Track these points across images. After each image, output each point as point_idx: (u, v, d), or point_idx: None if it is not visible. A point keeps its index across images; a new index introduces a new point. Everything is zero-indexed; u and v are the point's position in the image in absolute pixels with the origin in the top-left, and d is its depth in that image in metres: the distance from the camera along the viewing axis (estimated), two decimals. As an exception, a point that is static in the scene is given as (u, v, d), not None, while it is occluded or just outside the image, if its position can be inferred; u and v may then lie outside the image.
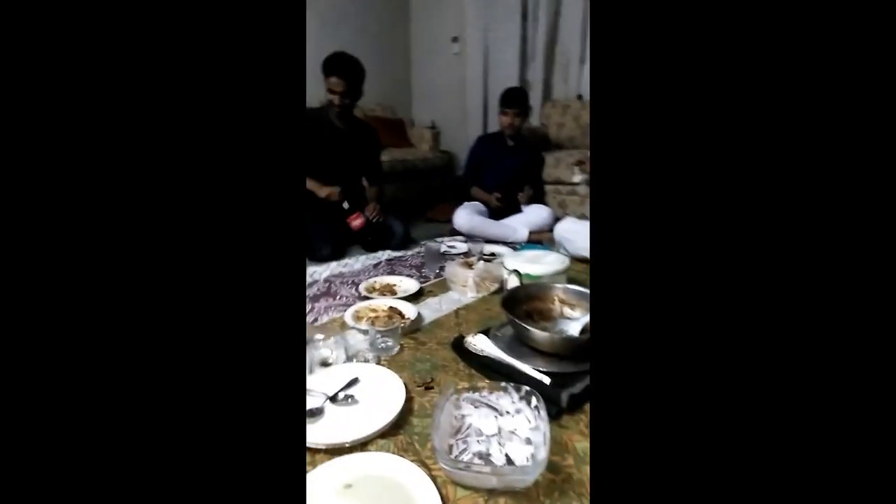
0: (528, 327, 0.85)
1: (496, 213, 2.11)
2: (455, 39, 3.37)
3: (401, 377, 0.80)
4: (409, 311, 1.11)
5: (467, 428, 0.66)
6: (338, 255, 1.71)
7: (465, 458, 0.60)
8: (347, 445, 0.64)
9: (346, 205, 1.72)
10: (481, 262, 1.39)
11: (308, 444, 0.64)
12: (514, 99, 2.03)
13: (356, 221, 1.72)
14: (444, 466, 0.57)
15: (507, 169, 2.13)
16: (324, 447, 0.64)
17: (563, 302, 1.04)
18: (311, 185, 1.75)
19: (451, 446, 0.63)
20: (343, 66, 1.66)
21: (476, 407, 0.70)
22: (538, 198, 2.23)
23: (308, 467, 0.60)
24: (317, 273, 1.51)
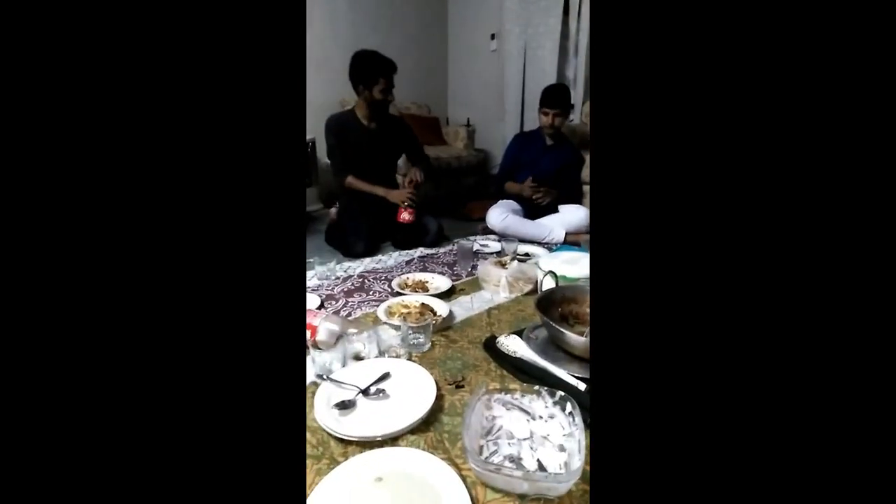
0: (564, 331, 0.82)
1: (531, 213, 2.07)
2: (493, 36, 3.33)
3: (431, 374, 0.80)
4: (441, 308, 1.11)
5: (498, 430, 0.65)
6: (371, 251, 1.73)
7: (496, 459, 0.59)
8: (378, 439, 0.65)
9: (407, 201, 1.74)
10: (515, 262, 1.37)
11: (340, 436, 0.65)
12: (556, 98, 1.96)
13: (407, 215, 1.74)
14: (475, 467, 0.57)
15: (544, 168, 2.07)
16: (356, 439, 0.65)
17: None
18: (369, 187, 1.79)
19: (481, 447, 0.62)
20: (389, 67, 1.70)
21: (507, 409, 0.68)
22: (576, 198, 2.16)
23: (340, 458, 0.61)
24: (351, 268, 1.54)
